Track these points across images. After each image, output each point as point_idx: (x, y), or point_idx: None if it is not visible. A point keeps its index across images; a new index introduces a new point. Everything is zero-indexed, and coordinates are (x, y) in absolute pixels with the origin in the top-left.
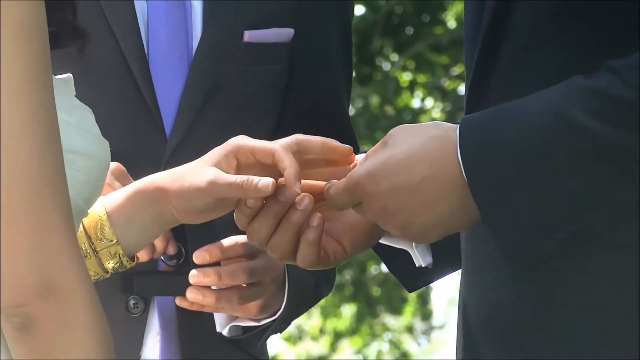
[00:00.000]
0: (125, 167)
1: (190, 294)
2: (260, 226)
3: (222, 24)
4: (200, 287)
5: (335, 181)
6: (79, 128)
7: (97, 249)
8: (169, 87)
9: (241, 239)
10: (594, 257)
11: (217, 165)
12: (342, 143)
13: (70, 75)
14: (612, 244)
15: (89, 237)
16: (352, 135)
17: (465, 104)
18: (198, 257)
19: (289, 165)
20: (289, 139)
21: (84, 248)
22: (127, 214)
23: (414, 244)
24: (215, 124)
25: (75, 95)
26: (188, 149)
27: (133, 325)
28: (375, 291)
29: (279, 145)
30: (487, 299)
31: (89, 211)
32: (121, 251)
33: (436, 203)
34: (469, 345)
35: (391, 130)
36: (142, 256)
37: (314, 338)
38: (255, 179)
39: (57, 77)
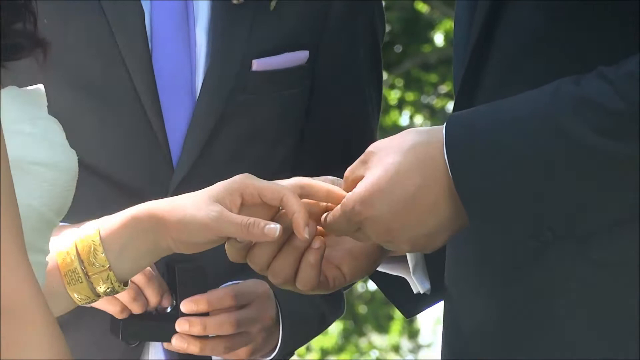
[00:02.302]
0: (131, 197)
1: (175, 341)
2: (261, 252)
3: (229, 54)
4: (186, 335)
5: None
6: (43, 139)
7: (90, 273)
8: (176, 119)
9: (230, 291)
10: (577, 265)
11: (222, 202)
12: None
13: (41, 86)
14: (596, 253)
15: (81, 261)
16: None
17: (455, 101)
18: (186, 307)
19: (297, 210)
20: (293, 182)
21: (76, 271)
22: (121, 241)
23: (411, 271)
24: (223, 154)
25: (85, 126)
26: (195, 181)
27: (130, 353)
28: (362, 309)
29: (286, 189)
30: (471, 314)
31: (83, 235)
32: (113, 277)
33: (436, 208)
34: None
35: (369, 148)
36: (135, 309)
37: (301, 355)
38: (261, 222)
39: (24, 88)
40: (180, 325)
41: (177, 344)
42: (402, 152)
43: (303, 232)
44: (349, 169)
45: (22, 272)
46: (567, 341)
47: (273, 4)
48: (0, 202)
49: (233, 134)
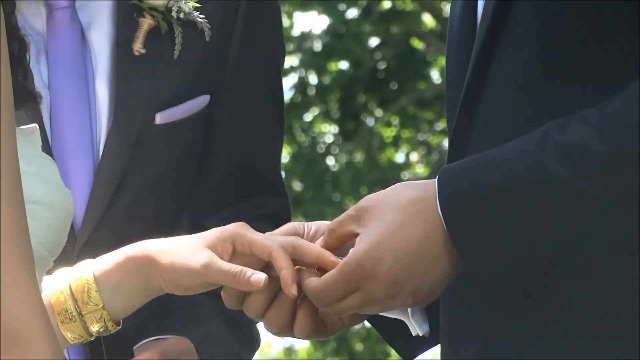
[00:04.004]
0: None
1: None
2: (256, 300)
3: (132, 110)
4: None
5: (312, 278)
6: (40, 178)
7: (83, 312)
8: (76, 183)
9: (156, 353)
10: (579, 301)
11: (213, 248)
12: (274, 202)
13: (36, 125)
14: (591, 290)
15: (75, 300)
16: (283, 194)
17: (449, 140)
18: None
19: (285, 266)
20: (286, 240)
21: (69, 310)
22: (115, 280)
23: (410, 314)
24: (124, 213)
25: None
26: (97, 243)
27: None
28: (359, 346)
29: (276, 245)
30: (467, 353)
31: (77, 274)
32: (107, 316)
33: (438, 261)
34: None
35: (361, 203)
36: None
37: None
38: (248, 272)
39: (19, 127)
40: None
41: None
42: (400, 208)
43: (291, 289)
44: (335, 222)
45: (34, 303)
46: None
47: (176, 52)
48: (16, 238)
49: (134, 190)
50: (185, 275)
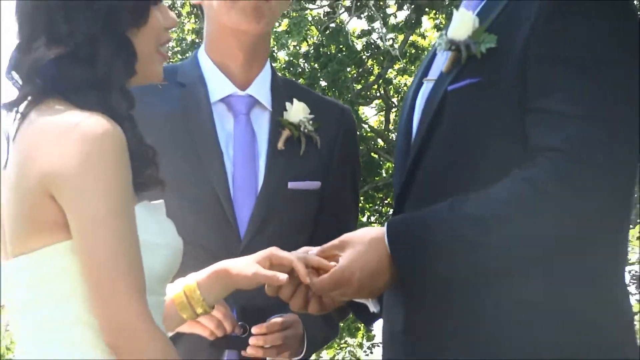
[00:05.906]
0: (213, 257)
1: (249, 350)
2: (285, 290)
3: (275, 177)
4: (255, 347)
5: (314, 277)
6: (161, 231)
7: (192, 303)
8: (243, 212)
9: (279, 321)
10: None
11: (260, 263)
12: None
13: (162, 201)
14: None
15: (187, 297)
16: None
17: (393, 207)
18: (255, 331)
19: (300, 269)
20: (301, 255)
21: (184, 303)
22: (208, 284)
23: (370, 300)
24: (271, 235)
25: (185, 217)
26: (253, 249)
27: (212, 356)
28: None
29: (295, 258)
30: (396, 322)
31: (187, 282)
32: (205, 305)
33: (385, 274)
34: (391, 350)
35: (342, 238)
36: (219, 333)
37: None
38: (278, 274)
39: (152, 202)
40: (252, 341)
41: (250, 351)
42: (366, 243)
43: (305, 279)
44: (324, 246)
45: (140, 309)
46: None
47: (302, 151)
48: (128, 271)
49: (278, 226)
50: (245, 280)
